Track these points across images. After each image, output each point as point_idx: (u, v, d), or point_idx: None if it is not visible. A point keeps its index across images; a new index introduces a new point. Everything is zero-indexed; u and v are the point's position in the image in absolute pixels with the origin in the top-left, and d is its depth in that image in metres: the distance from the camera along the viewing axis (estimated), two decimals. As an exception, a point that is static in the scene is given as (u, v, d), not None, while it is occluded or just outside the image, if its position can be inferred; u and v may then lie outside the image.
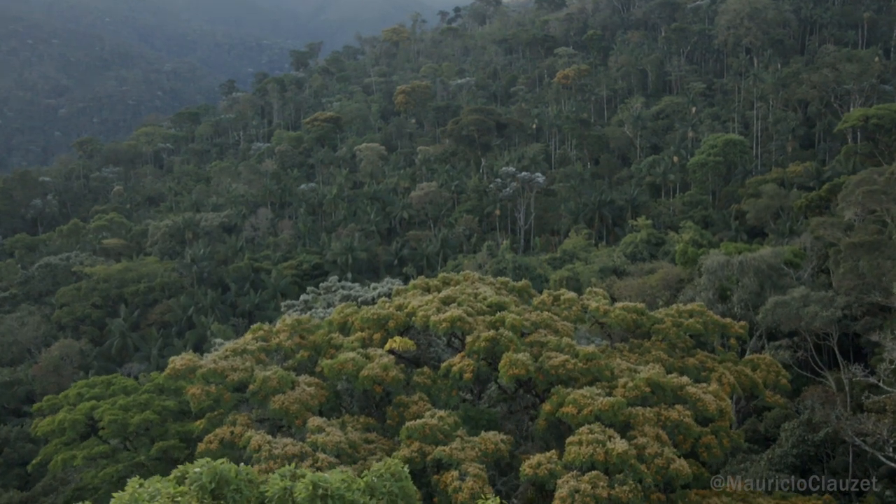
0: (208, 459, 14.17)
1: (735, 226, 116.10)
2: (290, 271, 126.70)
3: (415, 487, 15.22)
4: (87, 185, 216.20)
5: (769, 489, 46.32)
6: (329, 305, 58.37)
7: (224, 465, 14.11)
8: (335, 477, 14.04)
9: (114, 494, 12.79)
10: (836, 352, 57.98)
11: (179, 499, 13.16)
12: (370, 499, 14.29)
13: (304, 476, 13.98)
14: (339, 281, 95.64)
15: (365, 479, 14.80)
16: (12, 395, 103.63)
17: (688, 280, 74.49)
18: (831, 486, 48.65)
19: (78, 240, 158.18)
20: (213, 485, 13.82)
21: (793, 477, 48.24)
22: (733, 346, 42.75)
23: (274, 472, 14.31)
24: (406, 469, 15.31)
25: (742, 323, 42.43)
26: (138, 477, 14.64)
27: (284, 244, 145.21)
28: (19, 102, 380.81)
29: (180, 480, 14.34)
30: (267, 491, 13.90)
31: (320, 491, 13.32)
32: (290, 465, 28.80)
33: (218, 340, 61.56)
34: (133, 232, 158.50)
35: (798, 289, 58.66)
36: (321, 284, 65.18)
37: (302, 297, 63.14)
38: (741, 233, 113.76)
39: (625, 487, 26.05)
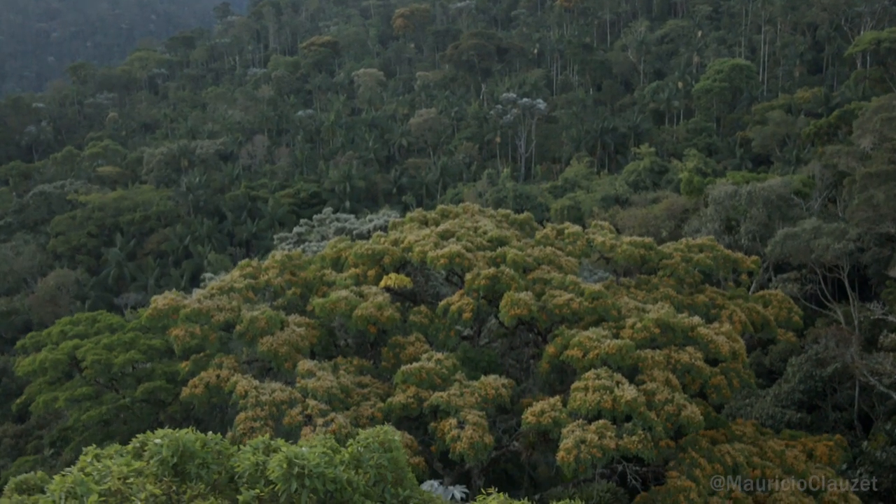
0: (170, 430, 12.43)
1: (740, 153, 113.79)
2: (287, 200, 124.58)
3: (406, 458, 13.53)
4: (82, 111, 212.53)
5: (777, 427, 45.20)
6: (323, 238, 56.40)
7: (188, 435, 12.38)
8: (315, 449, 12.34)
9: (54, 477, 11.06)
10: (847, 285, 56.30)
11: (133, 480, 11.42)
12: (355, 473, 12.62)
13: (279, 450, 12.27)
14: (337, 210, 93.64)
15: (350, 448, 13.13)
16: (10, 324, 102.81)
17: (693, 210, 72.54)
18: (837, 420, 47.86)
19: (72, 167, 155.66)
20: (175, 459, 12.10)
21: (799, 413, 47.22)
22: (744, 282, 41.03)
23: (246, 445, 12.61)
24: (397, 437, 13.63)
25: (754, 258, 40.60)
26: (94, 446, 12.98)
27: (282, 172, 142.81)
28: (10, 26, 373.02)
29: (139, 453, 12.65)
30: (237, 466, 12.19)
31: (296, 469, 11.60)
32: (278, 411, 27.37)
33: (208, 275, 59.77)
34: (128, 159, 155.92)
35: (809, 220, 56.78)
36: (315, 216, 63.06)
37: (295, 229, 61.11)
38: (746, 161, 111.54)
39: (634, 438, 24.48)
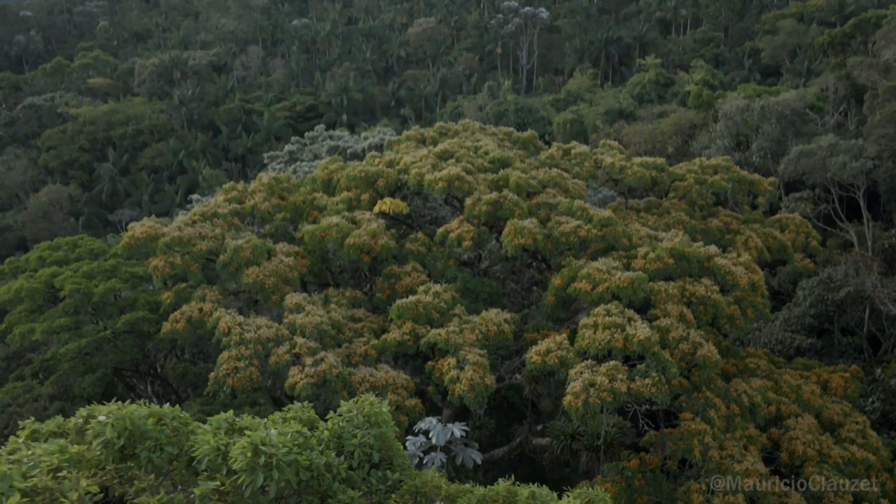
0: (119, 405, 10.46)
1: (748, 65, 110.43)
2: (283, 113, 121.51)
3: (395, 431, 11.62)
4: (71, 20, 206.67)
5: (787, 353, 43.67)
6: (315, 157, 53.82)
7: (139, 410, 10.42)
8: (288, 427, 10.42)
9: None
10: (861, 204, 54.10)
11: (66, 472, 9.51)
12: (336, 455, 10.73)
13: (244, 431, 10.36)
14: (334, 124, 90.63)
15: (330, 424, 11.23)
16: (3, 241, 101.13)
17: (701, 125, 69.89)
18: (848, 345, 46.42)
19: (62, 79, 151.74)
20: (123, 441, 10.16)
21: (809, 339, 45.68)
22: (760, 205, 38.82)
23: (205, 425, 10.68)
24: (386, 407, 11.71)
25: (771, 179, 38.35)
26: (32, 420, 11.10)
27: (277, 84, 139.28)
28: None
29: (81, 430, 10.73)
30: (195, 450, 10.24)
31: (263, 458, 9.66)
32: (264, 349, 25.58)
33: (195, 196, 57.48)
34: (119, 70, 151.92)
35: (824, 137, 54.25)
36: (307, 133, 60.36)
37: (286, 147, 58.48)
38: (754, 72, 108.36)
39: (647, 381, 22.58)
